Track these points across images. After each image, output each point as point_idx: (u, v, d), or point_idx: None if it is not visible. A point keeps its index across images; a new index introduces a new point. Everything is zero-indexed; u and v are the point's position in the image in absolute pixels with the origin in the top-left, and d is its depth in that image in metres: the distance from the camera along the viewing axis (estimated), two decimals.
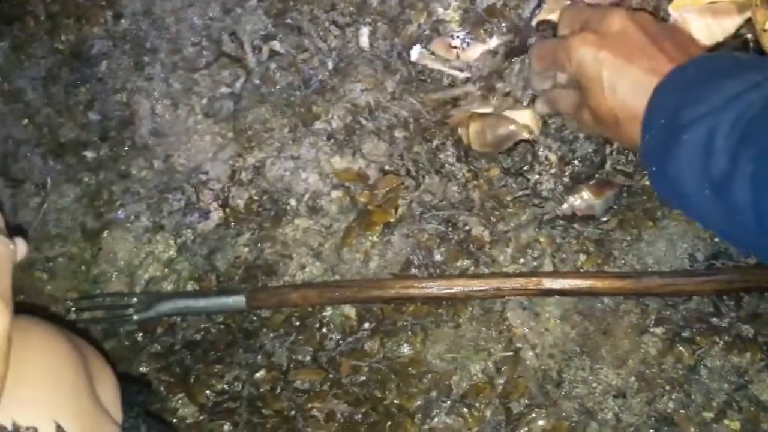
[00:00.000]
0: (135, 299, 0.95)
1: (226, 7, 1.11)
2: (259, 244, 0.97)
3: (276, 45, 1.09)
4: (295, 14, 1.10)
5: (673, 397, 0.91)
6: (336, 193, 0.99)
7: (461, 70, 0.98)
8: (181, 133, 1.04)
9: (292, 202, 0.99)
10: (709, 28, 0.86)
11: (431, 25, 1.06)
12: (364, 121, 1.02)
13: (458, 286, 0.93)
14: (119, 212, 1.00)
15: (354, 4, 1.09)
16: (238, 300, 0.93)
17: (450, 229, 0.97)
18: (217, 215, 0.99)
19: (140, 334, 0.96)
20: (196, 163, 1.03)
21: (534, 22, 0.92)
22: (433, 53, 1.01)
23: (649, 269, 0.94)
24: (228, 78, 1.07)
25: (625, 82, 0.69)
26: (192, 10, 1.11)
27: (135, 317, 0.94)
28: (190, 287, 0.97)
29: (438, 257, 0.96)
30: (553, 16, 0.93)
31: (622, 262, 0.95)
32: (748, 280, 0.91)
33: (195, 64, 1.08)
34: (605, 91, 0.70)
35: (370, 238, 0.97)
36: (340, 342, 0.94)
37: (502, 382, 0.92)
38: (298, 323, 0.95)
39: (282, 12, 1.10)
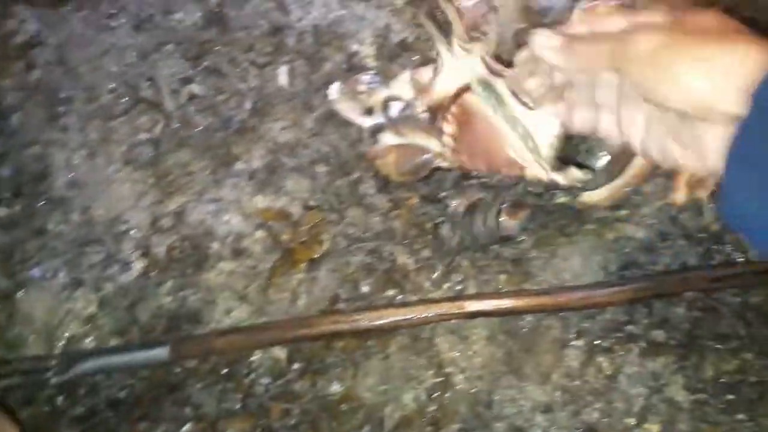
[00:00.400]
0: (53, 361, 0.65)
1: (142, 53, 0.81)
2: (181, 292, 0.69)
3: (195, 88, 0.80)
4: (213, 56, 0.81)
5: (597, 407, 0.68)
6: (259, 233, 0.71)
7: (371, 113, 0.71)
8: (100, 182, 0.75)
9: (215, 245, 0.71)
10: None
11: (347, 62, 0.80)
12: (284, 159, 0.75)
13: (385, 317, 0.68)
14: (35, 270, 0.70)
15: (272, 43, 0.82)
16: (161, 352, 0.65)
17: (375, 259, 0.71)
18: (138, 265, 0.71)
19: (61, 398, 0.66)
20: (116, 213, 0.73)
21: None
22: (347, 93, 0.75)
23: (567, 284, 0.71)
24: (147, 124, 0.78)
25: (717, 69, 0.35)
26: (107, 58, 0.81)
27: (54, 380, 0.65)
28: (113, 342, 0.68)
29: (365, 289, 0.70)
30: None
31: (541, 279, 0.71)
32: (657, 287, 0.69)
33: (112, 112, 0.78)
34: (677, 84, 0.36)
35: (296, 275, 0.70)
36: (270, 386, 0.67)
37: (434, 408, 0.68)
38: (225, 370, 0.67)
39: (200, 55, 0.82)
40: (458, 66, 0.63)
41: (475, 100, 0.62)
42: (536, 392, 0.68)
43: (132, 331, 0.68)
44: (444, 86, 0.65)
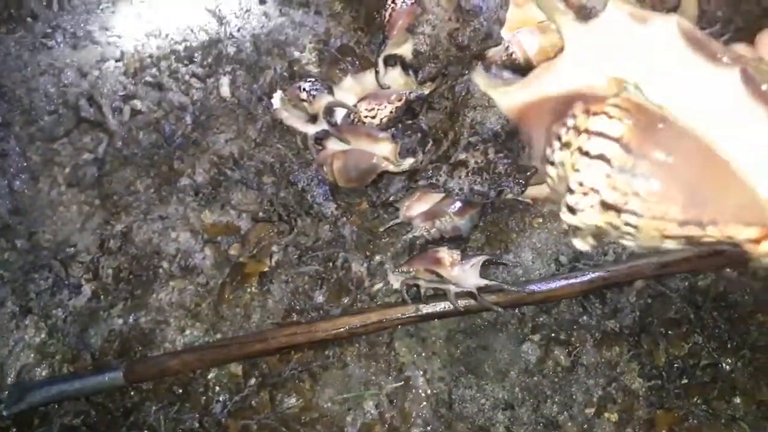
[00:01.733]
0: (4, 392, 0.65)
1: (81, 72, 0.80)
2: (133, 314, 0.69)
3: (137, 104, 0.79)
4: (154, 71, 0.81)
5: (557, 400, 0.69)
6: (208, 250, 0.71)
7: (315, 120, 0.71)
8: (44, 207, 0.74)
9: (164, 264, 0.71)
10: (541, 46, 0.63)
11: (289, 69, 0.80)
12: (229, 172, 0.74)
13: (341, 326, 0.68)
14: None
15: (212, 54, 0.81)
16: (114, 376, 0.64)
17: (328, 268, 0.71)
18: (87, 289, 0.70)
19: (14, 430, 0.66)
20: (63, 237, 0.72)
21: (381, 58, 0.67)
22: (290, 100, 0.74)
23: (520, 279, 0.72)
24: (90, 144, 0.77)
25: None
26: (44, 79, 0.80)
27: (5, 412, 0.64)
28: (66, 370, 0.68)
29: (319, 299, 0.70)
30: (399, 51, 0.68)
31: (495, 275, 0.72)
32: (607, 277, 0.70)
33: (53, 134, 0.77)
34: None
35: (249, 290, 0.70)
36: (227, 403, 0.67)
37: (396, 413, 0.68)
38: (180, 390, 0.67)
39: (140, 70, 0.81)
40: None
41: None
42: (496, 390, 0.69)
43: (84, 357, 0.67)
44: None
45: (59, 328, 0.68)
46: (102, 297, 0.69)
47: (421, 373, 0.70)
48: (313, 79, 0.72)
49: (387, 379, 0.69)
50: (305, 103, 0.72)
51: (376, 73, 0.67)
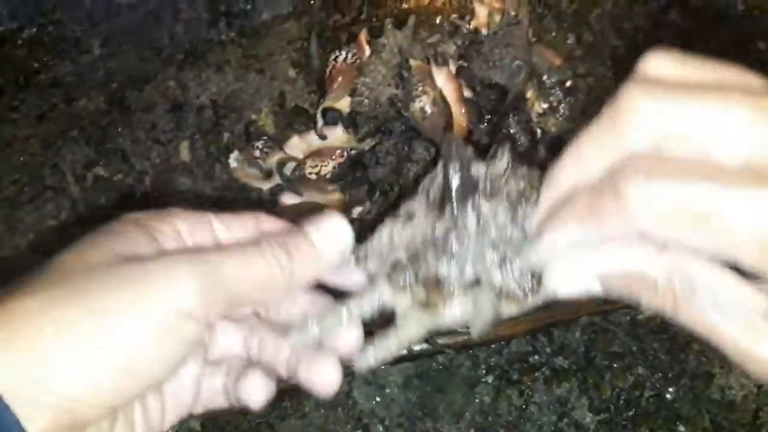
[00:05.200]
0: None
1: (46, 142, 0.85)
2: None
3: (100, 170, 0.84)
4: (117, 138, 0.86)
5: None
6: None
7: (270, 176, 0.76)
8: (7, 276, 0.77)
9: None
10: None
11: (245, 131, 0.85)
12: None
13: None
14: None
15: (173, 120, 0.87)
16: None
17: None
18: None
19: None
20: None
21: (319, 110, 0.73)
22: (245, 160, 0.80)
23: None
24: (53, 210, 0.81)
25: None
26: (10, 150, 0.84)
27: None
28: None
29: None
30: (338, 105, 0.74)
31: None
32: (552, 315, 0.73)
33: (17, 202, 0.81)
34: None
35: None
36: None
37: None
38: None
39: (103, 138, 0.86)
40: None
41: None
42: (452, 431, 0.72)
43: None
44: None
45: None
46: None
47: (379, 420, 0.72)
48: (265, 138, 0.78)
49: (346, 428, 0.71)
50: (259, 160, 0.77)
51: (314, 124, 0.73)
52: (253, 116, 0.86)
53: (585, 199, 0.22)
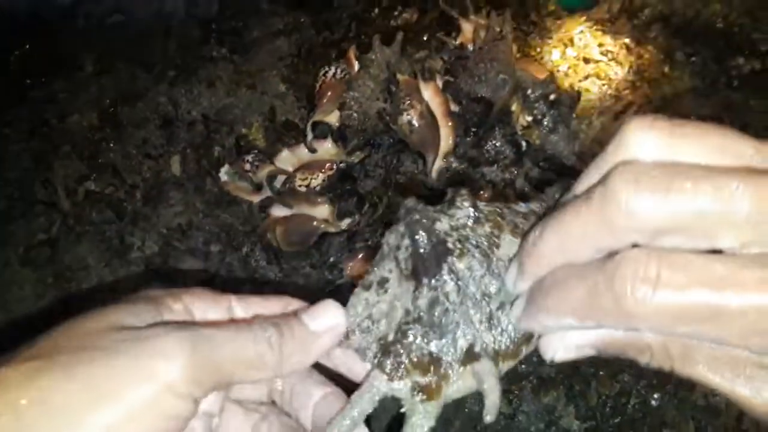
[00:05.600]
0: None
1: (38, 157, 0.86)
2: None
3: (91, 185, 0.85)
4: (108, 153, 0.87)
5: None
6: None
7: (260, 189, 0.78)
8: None
9: None
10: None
11: (236, 145, 0.87)
12: (177, 243, 0.79)
13: None
14: None
15: (164, 136, 0.88)
16: None
17: None
18: None
19: None
20: (14, 316, 0.76)
21: (309, 124, 0.75)
22: (236, 173, 0.81)
23: None
24: (44, 224, 0.82)
25: None
26: (2, 166, 0.85)
27: None
28: None
29: None
30: (327, 119, 0.75)
31: None
32: None
33: (9, 216, 0.82)
34: None
35: None
36: None
37: None
38: None
39: (95, 153, 0.87)
40: None
41: None
42: None
43: None
44: None
45: None
46: None
47: (369, 429, 0.72)
48: (256, 152, 0.80)
49: None
50: (249, 174, 0.79)
51: (304, 137, 0.74)
52: (244, 130, 0.88)
53: (579, 290, 0.21)
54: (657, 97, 0.86)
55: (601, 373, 0.72)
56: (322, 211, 0.75)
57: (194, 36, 0.97)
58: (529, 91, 0.79)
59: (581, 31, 0.93)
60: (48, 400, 0.22)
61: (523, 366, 0.75)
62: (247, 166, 0.77)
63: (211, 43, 0.96)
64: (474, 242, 0.27)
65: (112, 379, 0.23)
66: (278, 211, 0.77)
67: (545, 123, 0.80)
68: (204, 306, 0.28)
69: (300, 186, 0.72)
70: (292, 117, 0.87)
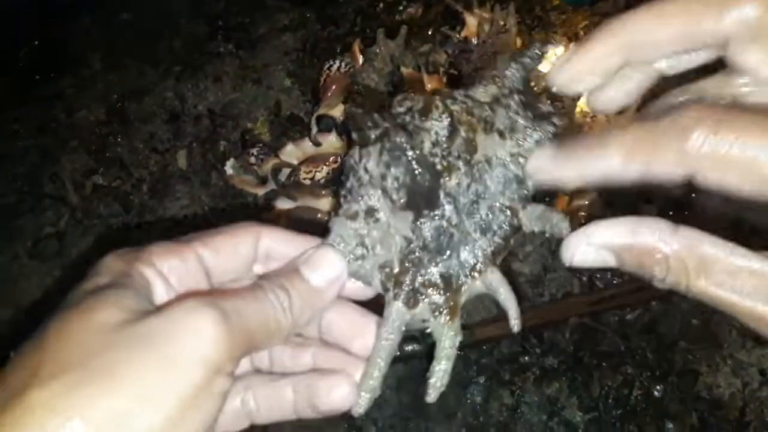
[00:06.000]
0: None
1: (46, 152, 0.88)
2: None
3: (99, 179, 0.86)
4: (116, 148, 0.88)
5: None
6: None
7: (265, 182, 0.78)
8: (4, 281, 0.78)
9: None
10: None
11: (242, 139, 0.88)
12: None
13: None
14: None
15: (170, 130, 0.89)
16: None
17: None
18: None
19: None
20: (22, 309, 0.77)
21: (313, 118, 0.75)
22: (241, 167, 0.82)
23: (463, 324, 0.77)
24: (52, 218, 0.83)
25: None
26: (11, 160, 0.87)
27: None
28: None
29: None
30: (332, 112, 0.76)
31: None
32: (542, 316, 0.75)
33: (17, 210, 0.83)
34: None
35: None
36: None
37: None
38: None
39: (102, 148, 0.88)
40: None
41: None
42: None
43: None
44: None
45: None
46: None
47: (372, 421, 0.73)
48: (261, 145, 0.80)
49: (339, 430, 0.72)
50: (254, 167, 0.79)
51: (309, 130, 0.75)
52: (249, 125, 0.88)
53: (634, 132, 0.22)
54: (662, 93, 0.86)
55: (603, 364, 0.73)
56: (326, 203, 0.76)
57: (201, 32, 0.98)
58: (532, 84, 0.79)
59: (586, 26, 0.93)
60: (94, 418, 0.20)
61: (525, 358, 0.75)
62: (252, 160, 0.78)
63: (217, 39, 0.97)
64: (456, 154, 0.27)
65: (155, 373, 0.21)
66: (283, 204, 0.78)
67: None
68: (174, 262, 0.26)
69: (304, 179, 0.73)
70: (297, 111, 0.88)
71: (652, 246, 0.22)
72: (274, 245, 0.28)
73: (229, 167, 0.82)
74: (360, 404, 0.27)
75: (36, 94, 0.92)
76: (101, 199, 0.82)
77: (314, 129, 0.72)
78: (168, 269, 0.26)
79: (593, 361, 0.73)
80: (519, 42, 0.86)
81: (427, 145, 0.26)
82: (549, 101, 0.30)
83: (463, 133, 0.27)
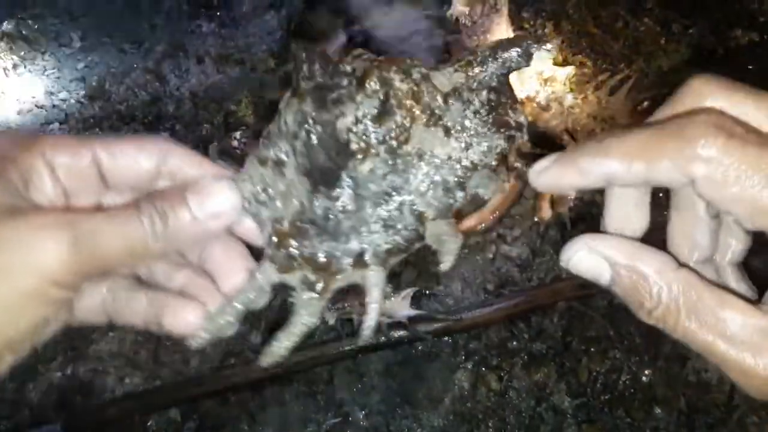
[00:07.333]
0: None
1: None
2: (71, 366, 0.71)
3: None
4: (96, 130, 0.86)
5: (490, 424, 0.72)
6: None
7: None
8: None
9: None
10: None
11: (225, 122, 0.86)
12: None
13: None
14: None
15: (152, 112, 0.87)
16: (52, 429, 0.66)
17: (264, 308, 0.75)
18: None
19: None
20: None
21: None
22: (224, 151, 0.80)
23: (451, 309, 0.76)
24: None
25: None
26: None
27: None
28: (3, 426, 0.69)
29: (256, 340, 0.74)
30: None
31: (426, 307, 0.76)
32: (530, 300, 0.74)
33: None
34: None
35: None
36: None
37: None
38: None
39: (83, 130, 0.86)
40: None
41: None
42: (431, 418, 0.72)
43: (23, 411, 0.69)
44: None
45: None
46: (40, 350, 0.71)
47: (359, 407, 0.73)
48: (244, 128, 0.78)
49: (326, 416, 0.72)
50: (238, 151, 0.78)
51: None
52: (233, 107, 0.86)
53: (641, 135, 0.22)
54: (653, 71, 0.84)
55: (591, 349, 0.72)
56: None
57: (183, 10, 0.95)
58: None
59: (576, 4, 0.91)
60: None
61: (513, 343, 0.75)
62: (235, 143, 0.76)
63: (200, 18, 0.94)
64: (381, 138, 0.24)
65: None
66: None
67: (539, 98, 0.78)
68: (67, 161, 0.25)
69: None
70: (282, 93, 0.86)
71: (652, 273, 0.22)
72: (183, 166, 0.27)
73: (211, 151, 0.80)
74: (197, 338, 0.26)
75: (14, 74, 0.89)
76: None
77: None
78: (59, 163, 0.25)
79: (581, 346, 0.73)
80: (511, 26, 0.84)
81: (348, 120, 0.24)
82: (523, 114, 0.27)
83: (398, 118, 0.24)
